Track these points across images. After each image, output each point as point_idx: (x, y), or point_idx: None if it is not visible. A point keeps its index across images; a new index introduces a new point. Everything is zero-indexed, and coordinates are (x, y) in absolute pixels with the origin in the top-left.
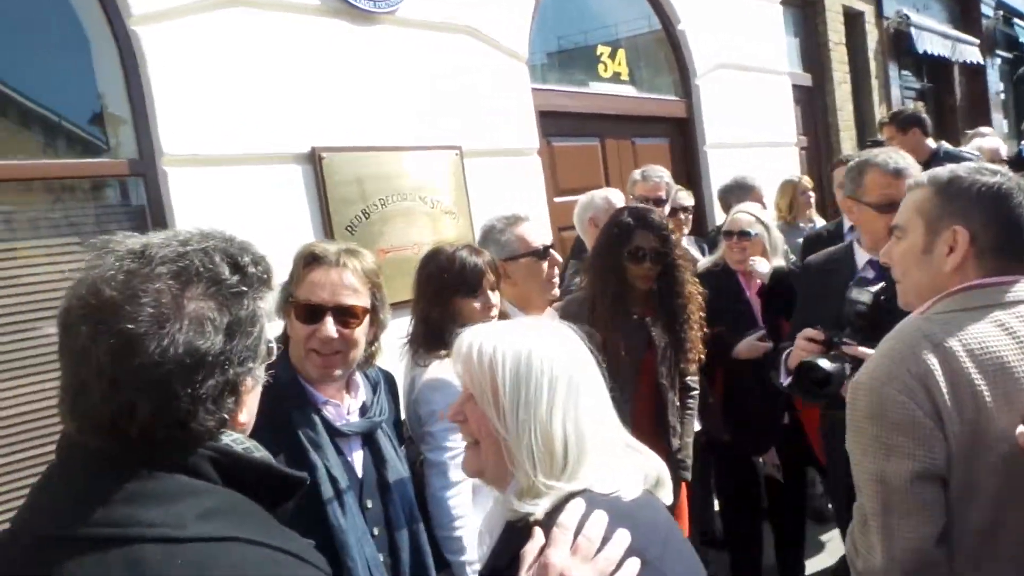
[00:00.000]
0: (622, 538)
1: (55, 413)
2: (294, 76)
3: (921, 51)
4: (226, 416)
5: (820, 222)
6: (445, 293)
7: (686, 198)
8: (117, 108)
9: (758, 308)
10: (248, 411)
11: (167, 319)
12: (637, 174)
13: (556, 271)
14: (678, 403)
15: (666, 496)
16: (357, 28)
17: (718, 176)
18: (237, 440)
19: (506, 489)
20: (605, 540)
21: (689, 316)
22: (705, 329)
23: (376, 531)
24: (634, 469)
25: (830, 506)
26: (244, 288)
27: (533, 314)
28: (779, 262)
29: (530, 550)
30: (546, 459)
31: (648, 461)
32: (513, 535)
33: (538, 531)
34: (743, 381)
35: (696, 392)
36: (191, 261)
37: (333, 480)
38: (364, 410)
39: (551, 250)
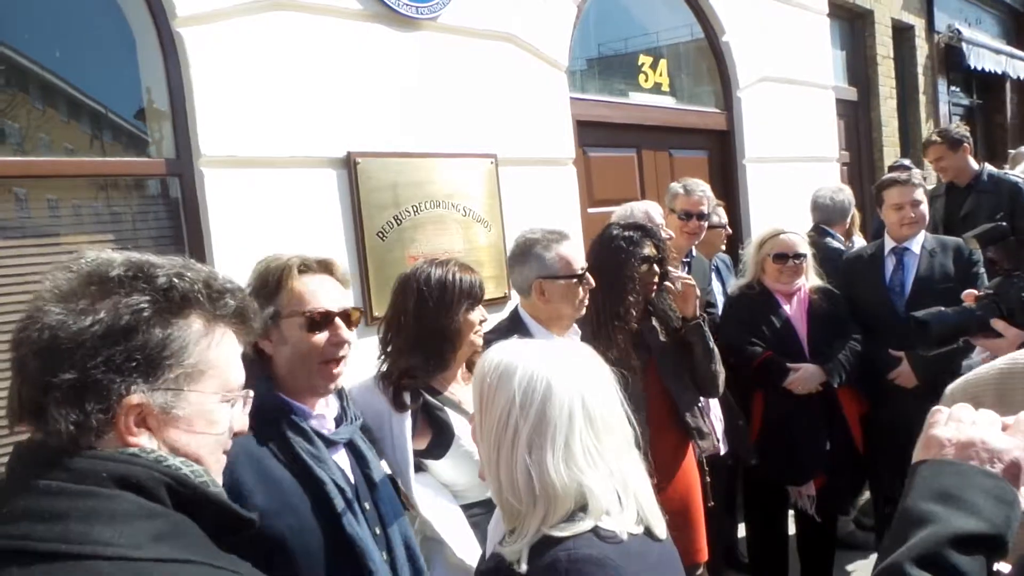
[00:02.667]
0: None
1: None
2: (332, 80)
3: (972, 67)
4: (93, 423)
5: (860, 242)
6: (448, 310)
7: (721, 214)
8: (159, 107)
9: (802, 331)
10: (177, 440)
11: (62, 300)
12: (678, 187)
13: (587, 293)
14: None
15: (660, 532)
16: (397, 33)
17: (756, 190)
18: (196, 472)
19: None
20: None
21: (672, 308)
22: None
23: (377, 531)
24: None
25: (859, 532)
26: (149, 297)
27: (558, 330)
28: (819, 283)
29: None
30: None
31: (645, 500)
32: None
33: None
34: (787, 407)
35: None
36: (118, 271)
37: (341, 491)
38: (338, 417)
39: (587, 274)
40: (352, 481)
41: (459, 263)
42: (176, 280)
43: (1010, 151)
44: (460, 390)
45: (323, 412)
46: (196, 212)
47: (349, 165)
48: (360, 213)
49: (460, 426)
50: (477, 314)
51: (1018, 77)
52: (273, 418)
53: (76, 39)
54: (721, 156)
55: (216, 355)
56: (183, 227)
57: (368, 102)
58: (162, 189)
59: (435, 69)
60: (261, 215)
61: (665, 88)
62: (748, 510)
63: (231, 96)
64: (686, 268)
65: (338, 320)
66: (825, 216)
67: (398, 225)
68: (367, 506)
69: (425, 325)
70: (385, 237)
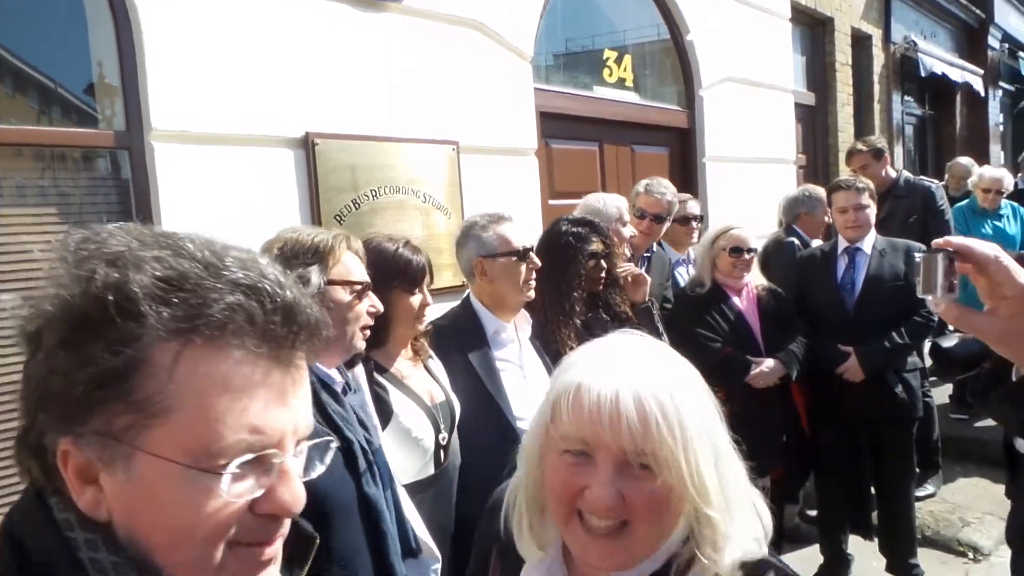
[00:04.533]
0: None
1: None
2: (293, 58)
3: (928, 72)
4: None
5: (816, 241)
6: (384, 286)
7: (695, 207)
8: (109, 79)
9: (756, 326)
10: (125, 511)
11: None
12: (641, 186)
13: (533, 274)
14: None
15: None
16: (361, 14)
17: (715, 188)
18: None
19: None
20: None
21: (623, 301)
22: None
23: (386, 494)
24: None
25: (803, 524)
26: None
27: (506, 315)
28: (763, 281)
29: None
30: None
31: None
32: None
33: None
34: (745, 401)
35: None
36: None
37: (364, 451)
38: (343, 387)
39: (531, 253)
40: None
41: (411, 244)
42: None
43: (947, 163)
44: (404, 366)
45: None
46: (146, 188)
47: (307, 146)
48: (317, 196)
49: (400, 403)
50: (416, 299)
51: (968, 89)
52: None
53: (24, 6)
54: (682, 153)
55: (196, 388)
56: (132, 203)
57: (329, 82)
58: (111, 163)
59: (399, 52)
60: (214, 194)
61: (629, 84)
62: None
63: (186, 70)
64: (645, 263)
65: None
66: (792, 208)
67: (356, 209)
68: (376, 470)
69: None
70: (343, 221)
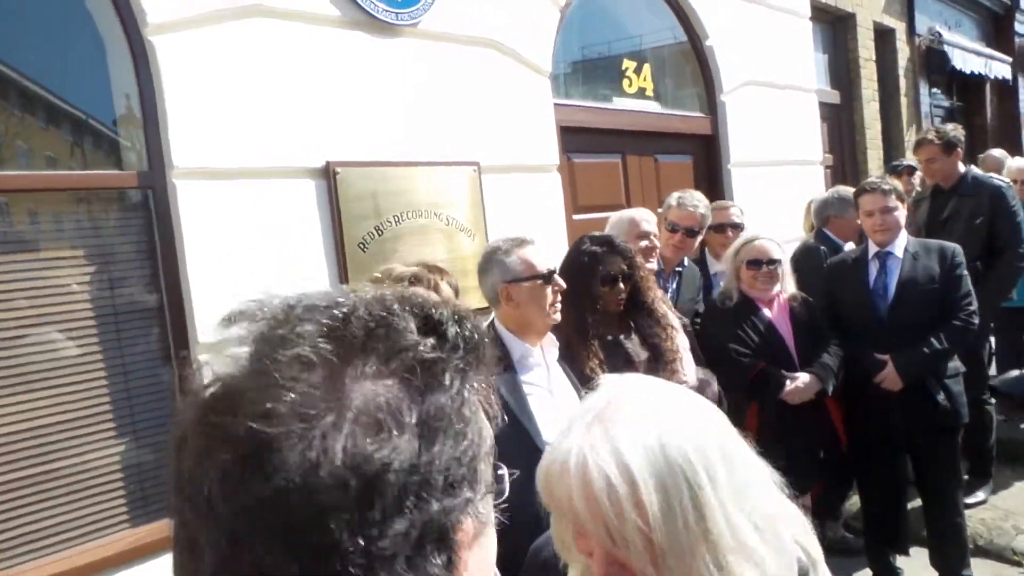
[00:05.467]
0: None
1: (56, 428)
2: (310, 88)
3: (954, 68)
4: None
5: (849, 245)
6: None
7: (738, 215)
8: (130, 119)
9: (789, 338)
10: None
11: (317, 411)
12: (673, 199)
13: (559, 296)
14: None
15: None
16: (377, 40)
17: (742, 194)
18: None
19: None
20: None
21: (665, 327)
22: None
23: None
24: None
25: (850, 537)
26: (443, 356)
27: (532, 339)
28: (795, 291)
29: None
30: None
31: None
32: None
33: None
34: (780, 417)
35: None
36: (354, 311)
37: None
38: None
39: (555, 275)
40: None
41: (431, 266)
42: (464, 326)
43: (979, 155)
44: None
45: None
46: (169, 225)
47: (328, 175)
48: (340, 224)
49: None
50: None
51: (997, 79)
52: None
53: (46, 48)
54: (706, 161)
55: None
56: (156, 241)
57: (347, 110)
58: (135, 202)
59: (416, 76)
60: (237, 227)
61: (649, 93)
62: None
63: (205, 106)
64: (676, 278)
65: None
66: (822, 211)
67: (379, 236)
68: None
69: None
70: (366, 248)
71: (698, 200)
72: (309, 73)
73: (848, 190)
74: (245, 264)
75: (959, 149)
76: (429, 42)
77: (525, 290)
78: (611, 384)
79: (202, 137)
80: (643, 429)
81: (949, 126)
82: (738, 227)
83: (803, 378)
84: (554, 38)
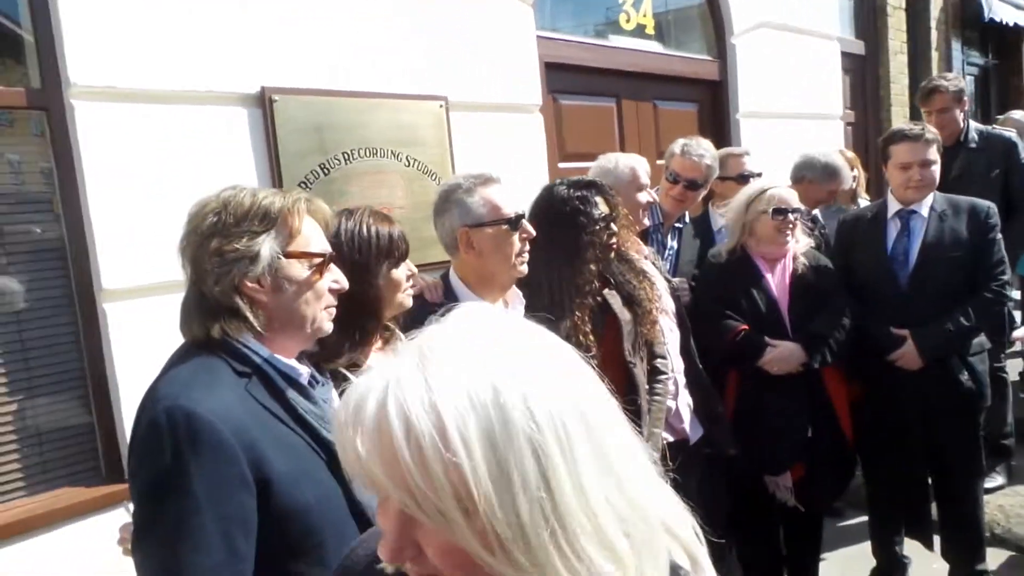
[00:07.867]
0: None
1: None
2: (245, 1)
3: (992, 19)
4: None
5: (865, 203)
6: (370, 265)
7: (752, 163)
8: (19, 29)
9: (784, 303)
10: None
11: None
12: (677, 146)
13: (527, 245)
14: (647, 385)
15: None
16: None
17: (751, 148)
18: None
19: None
20: None
21: (638, 273)
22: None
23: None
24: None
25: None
26: None
27: (493, 294)
28: (808, 244)
29: None
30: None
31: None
32: None
33: None
34: (764, 388)
35: (665, 377)
36: None
37: None
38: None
39: (524, 221)
40: None
41: (372, 211)
42: None
43: (997, 116)
44: (373, 357)
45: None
46: (68, 151)
47: (264, 102)
48: (277, 160)
49: None
50: (402, 270)
51: None
52: (280, 386)
53: None
54: (712, 109)
55: None
56: (53, 167)
57: (288, 29)
58: (26, 125)
59: None
60: (151, 159)
61: (650, 31)
62: (732, 513)
63: (112, 12)
64: (677, 234)
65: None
66: (799, 169)
67: (325, 175)
68: None
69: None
70: (309, 188)
71: (705, 149)
72: None
73: (839, 159)
74: (161, 202)
75: (965, 98)
76: None
77: (488, 236)
78: (457, 314)
79: (108, 51)
80: (475, 371)
81: (949, 74)
82: (749, 178)
83: (787, 346)
84: None
